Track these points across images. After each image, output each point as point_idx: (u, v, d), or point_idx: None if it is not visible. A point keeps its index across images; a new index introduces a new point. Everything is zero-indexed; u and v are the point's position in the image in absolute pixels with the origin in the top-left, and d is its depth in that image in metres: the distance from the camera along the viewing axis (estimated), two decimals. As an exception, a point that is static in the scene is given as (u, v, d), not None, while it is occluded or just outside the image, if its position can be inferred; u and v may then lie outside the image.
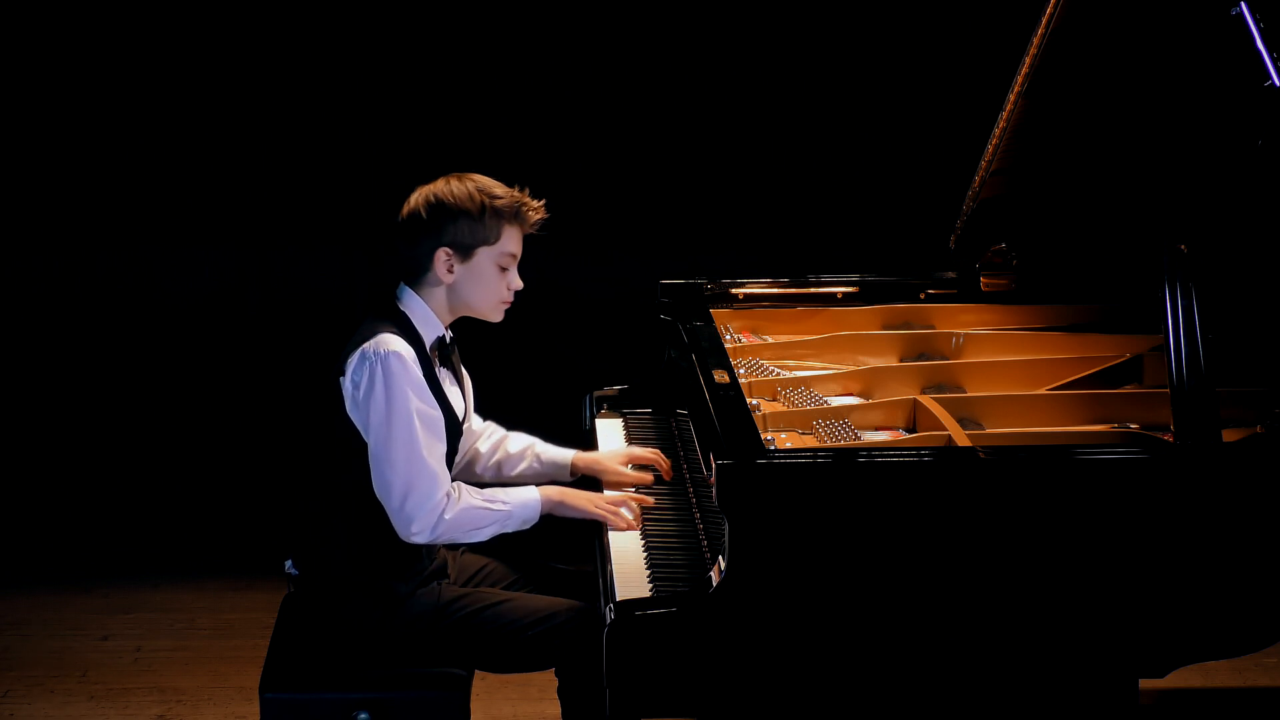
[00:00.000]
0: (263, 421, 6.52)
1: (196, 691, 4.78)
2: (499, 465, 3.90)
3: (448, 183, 3.61)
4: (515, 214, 3.60)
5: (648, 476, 3.88)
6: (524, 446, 3.93)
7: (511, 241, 3.62)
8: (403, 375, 3.50)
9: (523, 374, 6.32)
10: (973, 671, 3.26)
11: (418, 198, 3.62)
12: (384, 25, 6.41)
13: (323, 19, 6.39)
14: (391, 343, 3.52)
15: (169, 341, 6.63)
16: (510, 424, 3.99)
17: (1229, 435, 3.34)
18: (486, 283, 3.62)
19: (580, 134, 6.49)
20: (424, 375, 3.55)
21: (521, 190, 3.63)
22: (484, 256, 3.60)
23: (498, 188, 3.60)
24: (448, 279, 3.60)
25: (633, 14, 6.39)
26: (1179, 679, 3.87)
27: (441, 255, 3.58)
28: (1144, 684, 3.35)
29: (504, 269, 3.62)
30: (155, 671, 4.90)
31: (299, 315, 6.61)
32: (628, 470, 3.90)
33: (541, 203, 3.65)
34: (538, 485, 3.69)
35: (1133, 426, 3.73)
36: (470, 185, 3.60)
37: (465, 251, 3.59)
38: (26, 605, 5.32)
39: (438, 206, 3.58)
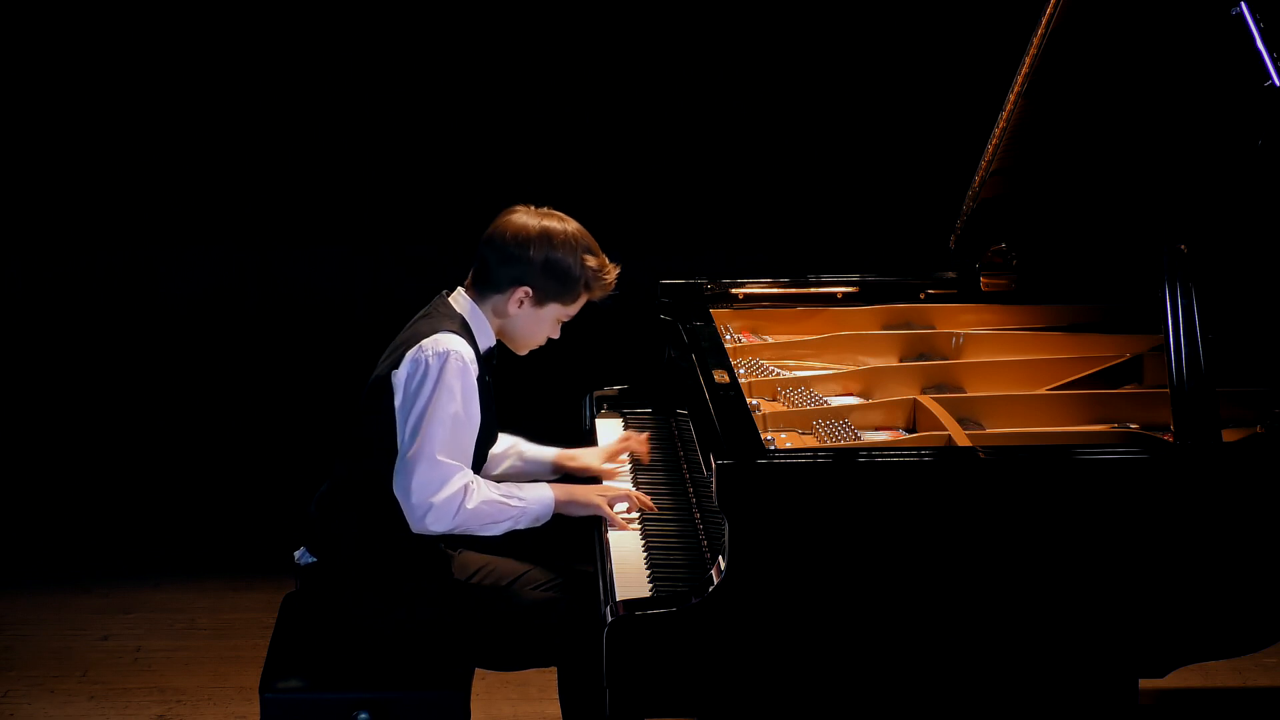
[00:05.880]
0: (263, 421, 6.52)
1: (196, 691, 4.77)
2: None
3: (564, 228, 3.62)
4: (599, 286, 3.66)
5: (619, 473, 3.90)
6: (508, 445, 3.93)
7: (579, 306, 3.68)
8: (457, 375, 3.51)
9: (523, 374, 6.31)
10: (973, 671, 3.26)
11: (528, 229, 3.60)
12: (384, 26, 6.41)
13: (322, 19, 6.39)
14: (453, 342, 3.53)
15: (169, 341, 6.63)
16: (510, 424, 3.99)
17: (1229, 435, 3.34)
18: (540, 329, 3.69)
19: (580, 134, 6.49)
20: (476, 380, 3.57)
21: (608, 258, 3.68)
22: (553, 309, 3.66)
23: (593, 258, 3.64)
24: (513, 311, 3.64)
25: (632, 14, 6.39)
26: (1179, 679, 3.86)
27: (520, 292, 3.61)
28: (1144, 684, 3.35)
29: (558, 321, 3.68)
30: (155, 671, 4.90)
31: (299, 315, 6.62)
32: (605, 468, 3.92)
33: (615, 275, 3.68)
34: (528, 483, 3.70)
35: (1133, 426, 3.72)
36: (577, 243, 3.61)
37: (542, 300, 3.63)
38: (26, 605, 5.32)
39: (546, 251, 3.59)
